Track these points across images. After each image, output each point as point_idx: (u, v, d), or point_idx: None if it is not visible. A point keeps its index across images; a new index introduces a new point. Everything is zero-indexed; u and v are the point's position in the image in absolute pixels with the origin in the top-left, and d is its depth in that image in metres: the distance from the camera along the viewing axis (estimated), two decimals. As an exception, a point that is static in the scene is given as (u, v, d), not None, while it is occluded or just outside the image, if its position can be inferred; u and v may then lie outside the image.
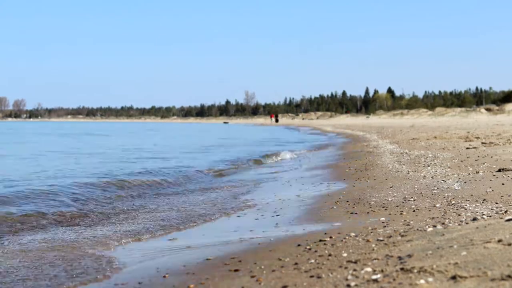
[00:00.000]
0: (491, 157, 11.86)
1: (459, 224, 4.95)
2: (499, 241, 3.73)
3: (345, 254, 4.22)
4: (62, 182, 11.00)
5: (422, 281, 3.11)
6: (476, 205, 6.22)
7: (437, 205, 6.51)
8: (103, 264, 4.92)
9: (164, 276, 4.35)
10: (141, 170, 13.75)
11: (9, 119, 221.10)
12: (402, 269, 3.40)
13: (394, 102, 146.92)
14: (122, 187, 10.76)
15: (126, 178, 11.79)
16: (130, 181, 11.46)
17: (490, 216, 5.28)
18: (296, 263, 4.16)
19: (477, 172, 9.46)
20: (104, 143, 33.25)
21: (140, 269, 4.73)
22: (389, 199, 7.37)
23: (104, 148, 26.77)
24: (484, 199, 6.57)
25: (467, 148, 14.90)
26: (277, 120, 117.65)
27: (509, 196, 6.70)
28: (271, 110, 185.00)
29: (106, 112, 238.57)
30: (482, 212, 5.62)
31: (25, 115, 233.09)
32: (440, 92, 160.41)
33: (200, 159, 18.85)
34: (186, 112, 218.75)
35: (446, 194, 7.26)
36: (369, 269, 3.57)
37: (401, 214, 6.19)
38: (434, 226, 4.94)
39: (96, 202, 9.11)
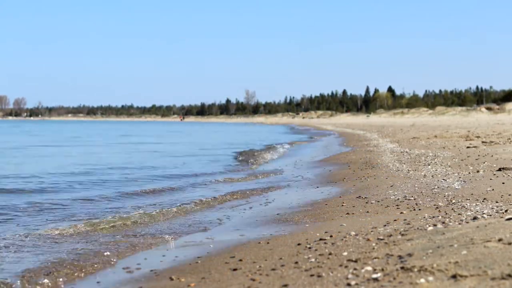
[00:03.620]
0: (492, 156, 11.86)
1: (459, 223, 4.94)
2: (500, 240, 3.73)
3: (345, 253, 4.22)
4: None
5: (422, 280, 3.11)
6: (477, 204, 6.21)
7: (438, 204, 6.51)
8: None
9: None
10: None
11: (10, 117, 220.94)
12: (402, 268, 3.40)
13: (395, 101, 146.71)
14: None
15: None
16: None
17: (491, 215, 5.28)
18: (296, 262, 4.16)
19: (478, 171, 9.46)
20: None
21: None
22: (390, 198, 7.37)
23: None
24: (485, 198, 6.57)
25: (468, 147, 14.90)
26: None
27: (510, 195, 6.70)
28: (272, 109, 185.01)
29: (107, 111, 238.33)
30: (483, 211, 5.62)
31: (25, 114, 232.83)
32: (440, 91, 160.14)
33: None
34: (187, 111, 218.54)
35: (446, 193, 7.26)
36: (369, 268, 3.57)
37: (401, 213, 6.19)
38: (435, 225, 4.94)
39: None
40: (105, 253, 5.33)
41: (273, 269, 4.04)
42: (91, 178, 12.43)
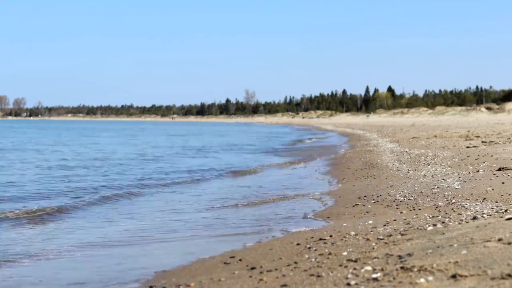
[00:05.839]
0: (491, 156, 11.85)
1: (459, 223, 4.94)
2: (499, 240, 3.73)
3: (345, 253, 4.22)
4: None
5: (422, 280, 3.10)
6: (476, 204, 6.21)
7: (438, 204, 6.50)
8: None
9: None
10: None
11: (9, 117, 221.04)
12: (402, 268, 3.40)
13: (395, 101, 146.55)
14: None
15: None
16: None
17: (490, 215, 5.27)
18: (295, 262, 4.16)
19: (477, 171, 9.46)
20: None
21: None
22: (389, 198, 7.37)
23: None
24: (484, 198, 6.57)
25: (467, 147, 14.89)
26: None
27: (509, 195, 6.70)
28: (271, 109, 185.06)
29: (107, 111, 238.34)
30: (482, 211, 5.62)
31: (25, 114, 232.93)
32: (440, 91, 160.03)
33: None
34: (187, 111, 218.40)
35: (446, 193, 7.26)
36: (369, 268, 3.57)
37: (401, 213, 6.18)
38: (434, 225, 4.94)
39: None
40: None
41: (273, 270, 4.04)
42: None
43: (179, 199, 9.34)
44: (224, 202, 8.71)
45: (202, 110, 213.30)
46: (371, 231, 5.05)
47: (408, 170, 10.59)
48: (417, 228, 4.90)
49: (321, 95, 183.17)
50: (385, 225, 5.37)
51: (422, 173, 9.90)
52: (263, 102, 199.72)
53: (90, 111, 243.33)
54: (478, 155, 12.35)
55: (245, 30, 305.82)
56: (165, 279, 4.29)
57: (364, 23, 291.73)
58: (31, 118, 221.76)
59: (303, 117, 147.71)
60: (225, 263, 4.56)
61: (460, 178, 8.68)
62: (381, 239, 4.58)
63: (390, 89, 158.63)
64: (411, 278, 3.16)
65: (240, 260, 4.57)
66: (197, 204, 8.62)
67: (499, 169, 9.34)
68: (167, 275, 4.44)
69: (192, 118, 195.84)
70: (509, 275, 2.94)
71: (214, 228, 6.50)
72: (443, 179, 8.74)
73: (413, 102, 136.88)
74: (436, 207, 6.25)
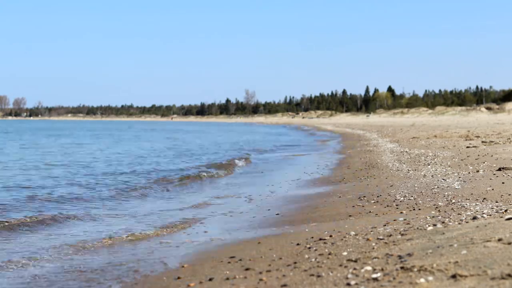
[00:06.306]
0: (491, 156, 11.85)
1: (459, 223, 4.94)
2: (499, 240, 3.73)
3: (345, 253, 4.22)
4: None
5: (422, 280, 3.11)
6: (476, 204, 6.21)
7: (438, 204, 6.50)
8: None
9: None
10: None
11: (9, 117, 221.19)
12: (402, 268, 3.40)
13: (395, 101, 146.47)
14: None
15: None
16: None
17: (490, 215, 5.27)
18: (295, 262, 4.16)
19: (477, 171, 9.46)
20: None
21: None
22: (389, 198, 7.37)
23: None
24: (484, 198, 6.57)
25: (467, 147, 14.89)
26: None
27: (509, 195, 6.69)
28: (271, 109, 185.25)
29: (107, 111, 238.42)
30: (482, 211, 5.62)
31: (25, 114, 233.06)
32: (440, 91, 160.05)
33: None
34: (187, 111, 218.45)
35: (446, 193, 7.26)
36: (369, 268, 3.57)
37: (401, 213, 6.18)
38: (434, 225, 4.94)
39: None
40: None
41: (273, 270, 4.04)
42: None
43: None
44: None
45: (202, 110, 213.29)
46: (371, 231, 5.06)
47: (408, 170, 10.59)
48: (417, 228, 4.90)
49: (321, 95, 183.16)
50: (385, 225, 5.37)
51: (422, 173, 9.90)
52: (263, 102, 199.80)
53: (90, 111, 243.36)
54: (478, 155, 12.35)
55: (245, 30, 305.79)
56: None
57: (364, 23, 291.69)
58: (31, 118, 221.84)
59: (303, 117, 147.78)
60: (225, 263, 4.56)
61: (460, 178, 8.68)
62: (381, 239, 4.58)
63: (390, 89, 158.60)
64: (411, 278, 3.17)
65: (240, 260, 4.57)
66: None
67: (499, 169, 9.34)
68: (167, 274, 4.44)
69: (192, 118, 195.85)
70: (509, 275, 2.94)
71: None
72: (443, 179, 8.74)
73: (413, 102, 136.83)
74: (436, 207, 6.25)
